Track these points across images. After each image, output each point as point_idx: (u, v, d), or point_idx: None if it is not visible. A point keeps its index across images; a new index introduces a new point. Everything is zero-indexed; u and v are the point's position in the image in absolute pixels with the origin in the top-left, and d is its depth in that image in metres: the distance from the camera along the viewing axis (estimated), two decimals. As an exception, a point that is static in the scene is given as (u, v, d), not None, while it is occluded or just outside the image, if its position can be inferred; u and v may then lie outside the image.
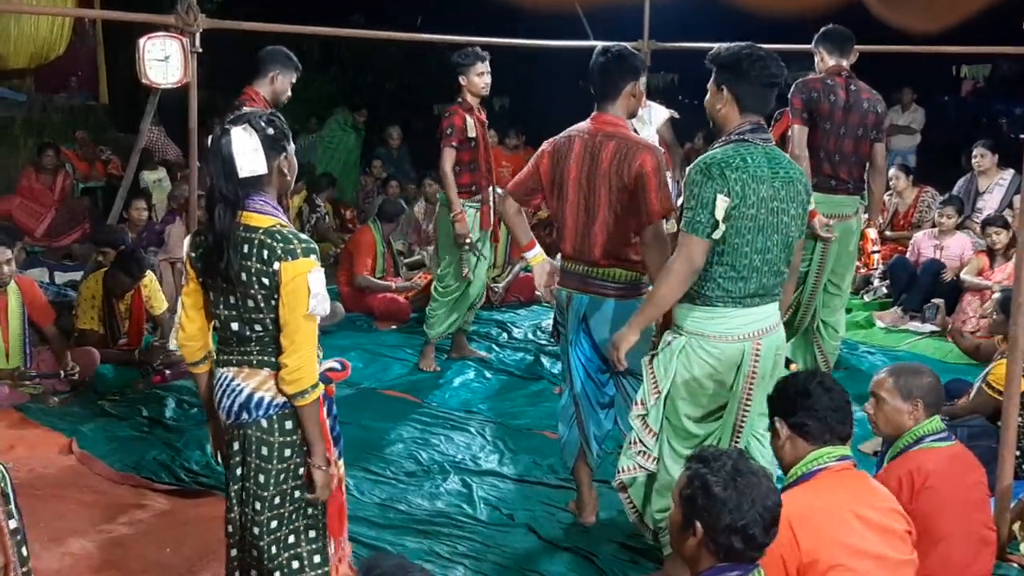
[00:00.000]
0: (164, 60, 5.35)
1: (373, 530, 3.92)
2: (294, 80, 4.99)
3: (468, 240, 5.76)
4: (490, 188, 5.93)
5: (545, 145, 3.85)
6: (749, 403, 3.29)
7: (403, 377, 5.92)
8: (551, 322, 6.86)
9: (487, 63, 5.75)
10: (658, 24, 7.17)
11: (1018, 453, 4.44)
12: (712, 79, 3.27)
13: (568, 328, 3.82)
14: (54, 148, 9.45)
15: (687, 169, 3.25)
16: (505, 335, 6.84)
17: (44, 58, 11.45)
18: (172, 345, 5.68)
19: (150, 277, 5.83)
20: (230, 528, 2.78)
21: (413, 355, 6.26)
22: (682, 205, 3.24)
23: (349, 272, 7.33)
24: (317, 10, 11.52)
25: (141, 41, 5.25)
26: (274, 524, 2.70)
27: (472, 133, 5.73)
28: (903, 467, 3.23)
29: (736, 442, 3.31)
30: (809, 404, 2.77)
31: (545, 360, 6.24)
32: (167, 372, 5.65)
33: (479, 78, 5.71)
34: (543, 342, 6.64)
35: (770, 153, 3.22)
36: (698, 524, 2.16)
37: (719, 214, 3.06)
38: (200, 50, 5.39)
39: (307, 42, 13.69)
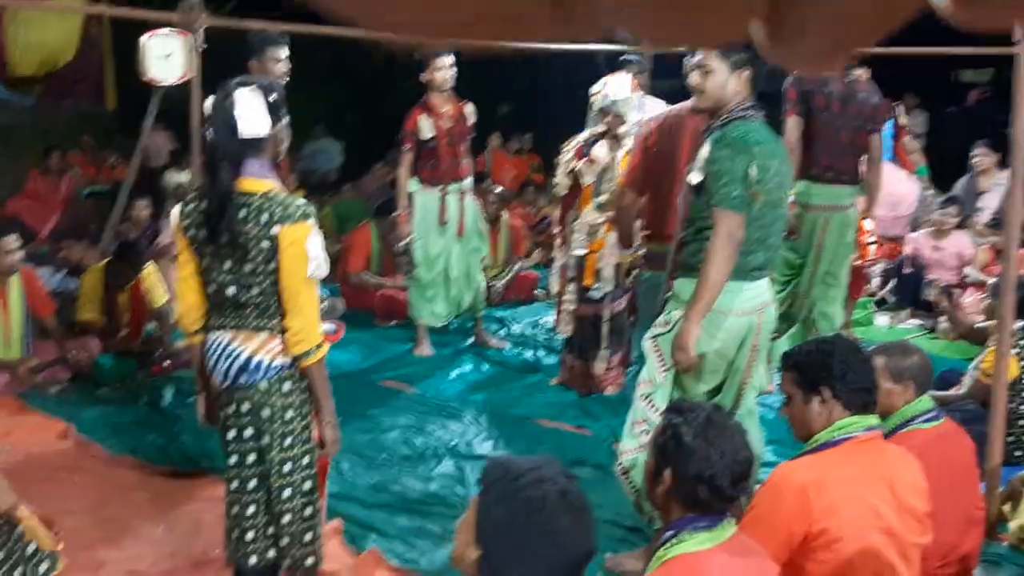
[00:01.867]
0: (166, 57, 5.40)
1: (365, 509, 3.95)
2: (278, 54, 5.00)
3: (405, 242, 5.93)
4: (455, 183, 5.98)
5: (647, 126, 3.85)
6: (749, 376, 3.30)
7: (400, 369, 5.95)
8: (549, 318, 6.96)
9: (448, 57, 5.78)
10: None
11: (1011, 439, 4.46)
12: (720, 59, 3.22)
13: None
14: (59, 151, 9.53)
15: (710, 147, 3.21)
16: (504, 331, 6.87)
17: (52, 65, 11.56)
18: (173, 318, 5.73)
19: (150, 270, 5.87)
20: (236, 484, 2.77)
21: (410, 348, 6.31)
22: (702, 183, 3.22)
23: (346, 269, 7.37)
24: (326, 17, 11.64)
25: (143, 38, 5.31)
26: (287, 493, 2.72)
27: (428, 134, 5.80)
28: (892, 450, 3.23)
29: (732, 416, 3.32)
30: (857, 376, 2.71)
31: (543, 354, 6.26)
32: (166, 363, 5.69)
33: (439, 72, 5.76)
34: (541, 338, 6.66)
35: (768, 128, 3.27)
36: (667, 472, 2.17)
37: (752, 186, 3.08)
38: (204, 46, 5.45)
39: (316, 52, 13.83)
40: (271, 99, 2.63)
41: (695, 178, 3.22)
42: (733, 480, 2.14)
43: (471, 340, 6.52)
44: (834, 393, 2.71)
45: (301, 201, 2.62)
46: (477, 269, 6.26)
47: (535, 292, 7.93)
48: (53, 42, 11.34)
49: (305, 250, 2.55)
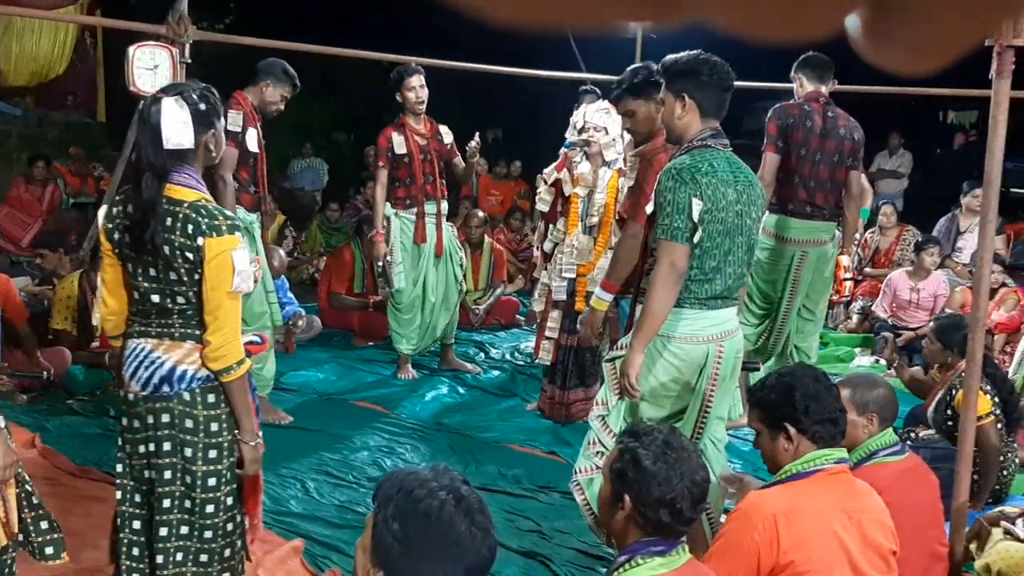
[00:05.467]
0: (153, 69, 5.38)
1: (329, 529, 3.91)
2: (287, 94, 4.99)
3: (383, 260, 5.85)
4: (432, 202, 5.95)
5: (658, 164, 3.86)
6: (710, 406, 3.29)
7: (375, 389, 5.92)
8: (529, 344, 6.95)
9: (421, 77, 5.78)
10: (651, 55, 7.23)
11: (976, 478, 4.44)
12: (667, 89, 3.28)
13: None
14: (45, 160, 9.52)
15: (660, 178, 3.26)
16: (482, 355, 6.86)
17: (44, 76, 11.58)
18: (95, 321, 5.67)
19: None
20: (126, 507, 2.70)
21: (387, 369, 6.29)
22: (653, 214, 3.25)
23: (328, 289, 7.35)
24: (318, 35, 11.71)
25: (131, 49, 5.28)
26: (210, 508, 2.64)
27: (402, 150, 5.79)
28: (855, 483, 3.21)
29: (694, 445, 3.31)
30: (820, 408, 2.66)
31: (520, 379, 6.25)
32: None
33: (411, 92, 5.75)
34: (520, 363, 6.65)
35: (730, 158, 3.25)
36: (627, 497, 2.15)
37: (696, 217, 3.08)
38: (189, 61, 5.45)
39: (308, 71, 13.87)
40: (201, 108, 2.56)
41: (650, 208, 3.24)
42: (693, 502, 2.13)
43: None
44: (799, 429, 2.68)
45: (229, 213, 2.57)
46: (454, 293, 6.23)
47: (516, 317, 7.92)
48: (46, 54, 11.36)
49: (230, 263, 2.48)
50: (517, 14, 0.38)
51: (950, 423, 4.29)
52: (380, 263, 5.90)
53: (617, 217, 4.48)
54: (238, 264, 2.49)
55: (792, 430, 2.68)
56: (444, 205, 6.08)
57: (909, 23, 0.40)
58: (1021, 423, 4.80)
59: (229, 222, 2.52)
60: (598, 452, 3.40)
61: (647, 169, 3.91)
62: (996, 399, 4.41)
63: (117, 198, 2.68)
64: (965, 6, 0.39)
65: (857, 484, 2.79)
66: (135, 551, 2.71)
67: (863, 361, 7.18)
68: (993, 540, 3.57)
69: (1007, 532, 3.57)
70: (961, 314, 5.68)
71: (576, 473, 3.49)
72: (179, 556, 2.66)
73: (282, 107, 5.07)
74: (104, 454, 4.54)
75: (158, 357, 2.58)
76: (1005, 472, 4.50)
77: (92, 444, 4.69)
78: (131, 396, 2.65)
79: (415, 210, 5.89)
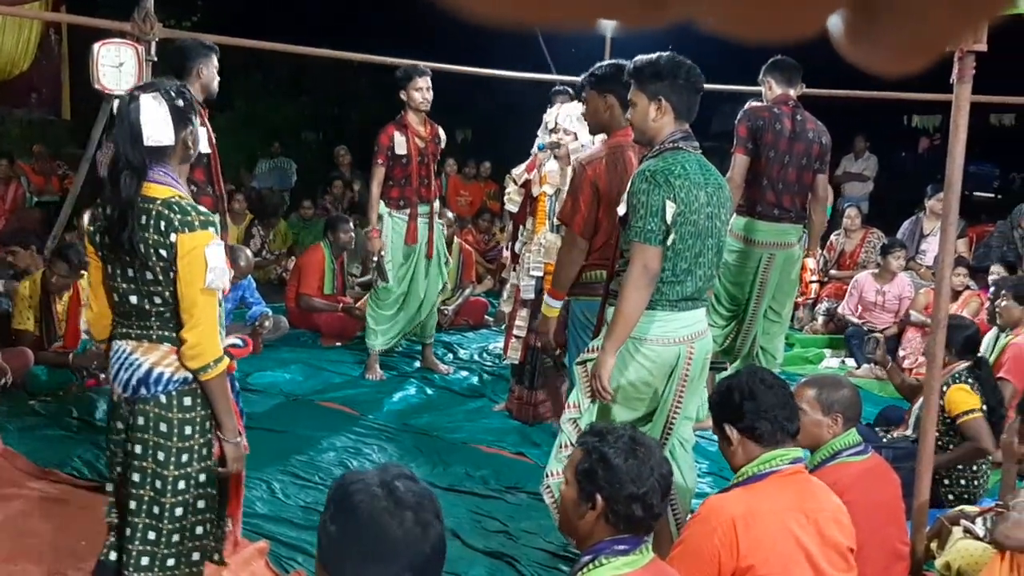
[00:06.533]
0: (118, 67, 5.33)
1: (294, 530, 3.89)
2: (216, 64, 4.97)
3: (379, 256, 5.84)
4: (425, 204, 5.95)
5: (592, 167, 3.88)
6: (679, 407, 3.31)
7: (342, 390, 5.89)
8: (498, 345, 6.95)
9: (427, 78, 5.77)
10: (619, 55, 7.25)
11: (946, 481, 4.50)
12: (639, 91, 3.27)
13: None
14: (8, 158, 9.40)
15: (633, 180, 3.26)
16: (451, 356, 6.85)
17: (8, 74, 11.42)
18: (83, 326, 5.61)
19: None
20: (114, 512, 2.74)
21: (355, 370, 6.26)
22: (625, 216, 3.25)
23: (297, 289, 7.30)
24: (287, 33, 11.63)
25: (95, 46, 5.23)
26: (179, 512, 2.63)
27: (401, 150, 5.77)
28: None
29: (663, 445, 3.32)
30: (756, 406, 2.68)
31: (488, 380, 6.24)
32: (101, 376, 5.57)
33: (418, 92, 5.74)
34: (488, 364, 6.65)
35: (701, 160, 3.27)
36: (598, 497, 2.15)
37: (669, 219, 3.09)
38: (155, 59, 5.39)
39: (276, 69, 13.81)
40: (178, 104, 2.55)
41: (621, 210, 3.25)
42: (662, 495, 2.16)
43: (417, 364, 6.48)
44: (739, 429, 2.71)
45: (203, 209, 2.56)
46: (435, 292, 6.23)
47: (485, 318, 7.92)
48: (9, 50, 11.20)
49: (203, 259, 2.48)
50: (503, 11, 0.38)
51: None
52: (376, 258, 5.87)
53: (556, 221, 4.51)
54: (211, 260, 2.49)
55: (733, 430, 2.71)
56: (436, 206, 6.07)
57: (892, 24, 0.40)
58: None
59: (202, 218, 2.51)
60: (569, 455, 3.40)
61: (581, 176, 3.92)
62: (985, 405, 4.47)
63: (99, 200, 2.66)
64: (947, 8, 0.39)
65: (813, 483, 2.81)
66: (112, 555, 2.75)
67: (831, 363, 7.25)
68: (953, 539, 3.62)
69: (967, 531, 3.62)
70: (966, 315, 5.76)
71: (547, 476, 3.48)
72: (144, 561, 2.64)
73: (218, 76, 5.03)
74: (66, 456, 4.49)
75: (136, 359, 2.58)
76: (977, 482, 4.55)
77: (54, 446, 4.63)
78: (115, 398, 2.67)
79: (408, 211, 5.88)
